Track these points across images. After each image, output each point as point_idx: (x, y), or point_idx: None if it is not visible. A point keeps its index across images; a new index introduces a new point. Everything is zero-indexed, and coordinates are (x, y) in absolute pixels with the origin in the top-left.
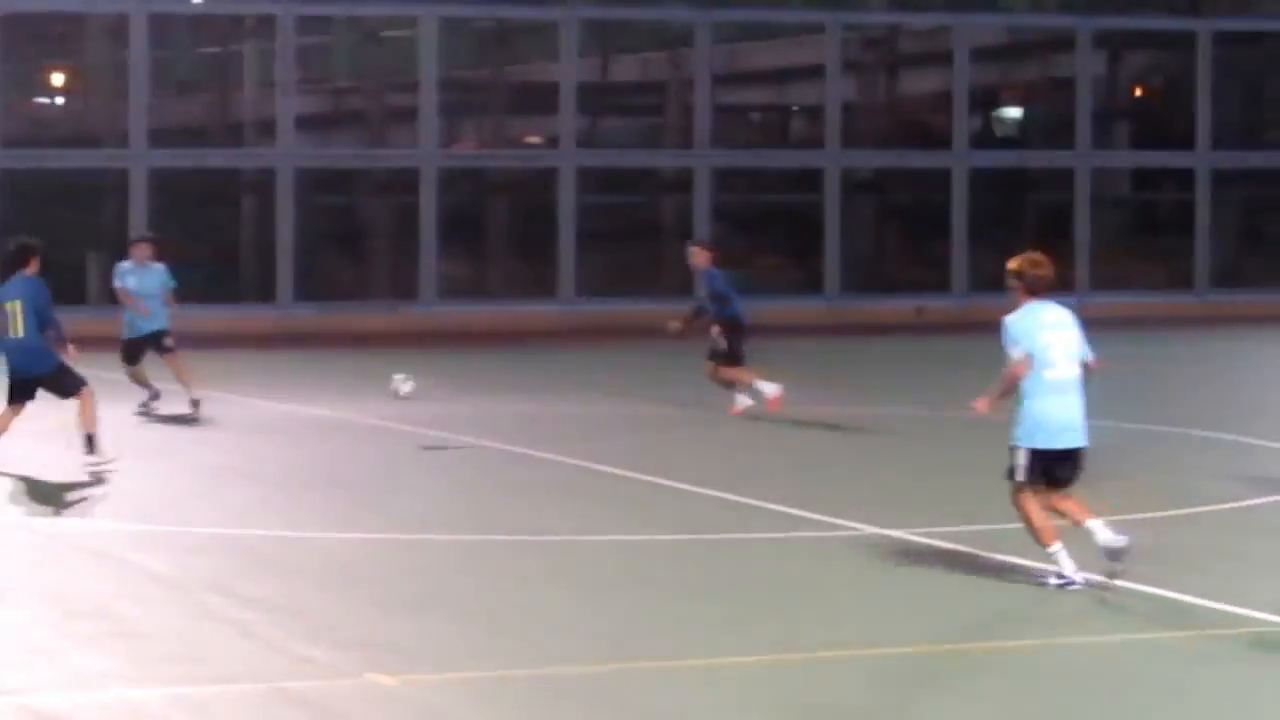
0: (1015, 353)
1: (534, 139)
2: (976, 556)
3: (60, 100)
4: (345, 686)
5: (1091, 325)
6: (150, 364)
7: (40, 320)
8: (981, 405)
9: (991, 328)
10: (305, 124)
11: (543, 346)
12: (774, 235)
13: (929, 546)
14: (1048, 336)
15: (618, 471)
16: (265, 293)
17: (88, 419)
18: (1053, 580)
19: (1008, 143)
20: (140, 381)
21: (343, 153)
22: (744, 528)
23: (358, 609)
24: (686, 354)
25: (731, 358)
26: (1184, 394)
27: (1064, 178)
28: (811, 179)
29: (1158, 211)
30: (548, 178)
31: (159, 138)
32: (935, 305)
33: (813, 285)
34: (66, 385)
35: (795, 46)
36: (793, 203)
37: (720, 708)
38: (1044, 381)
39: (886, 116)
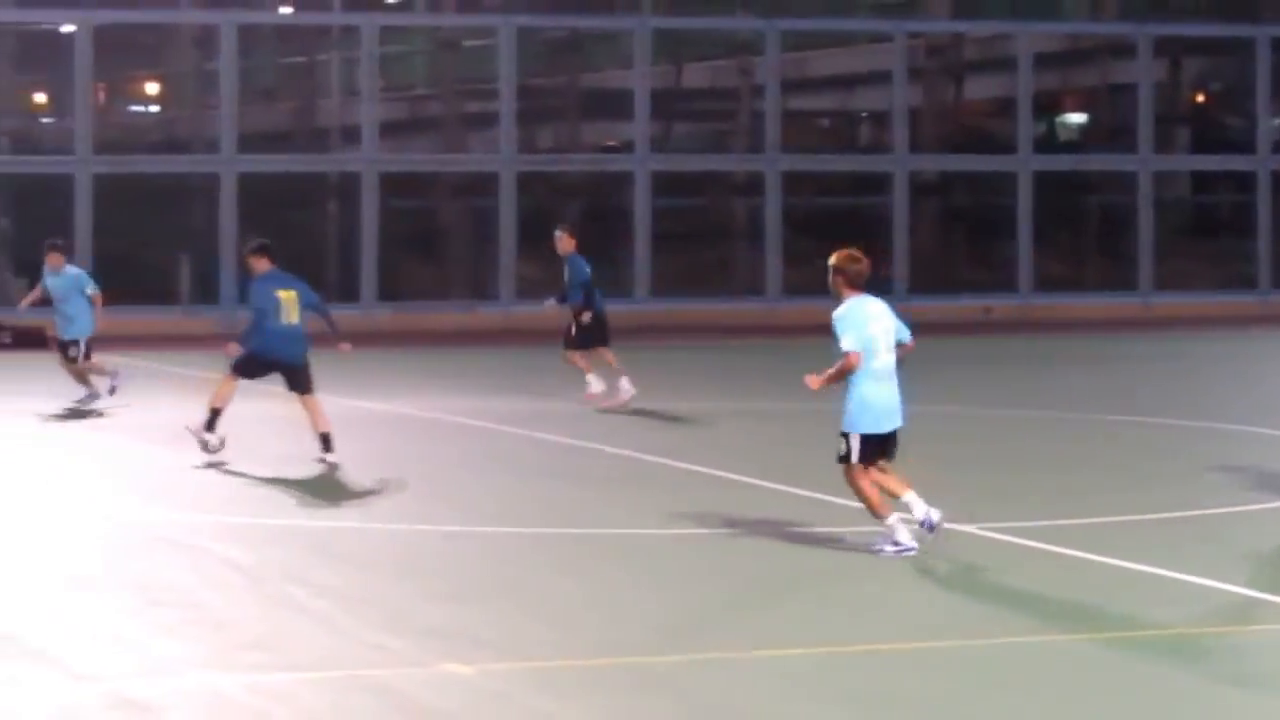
0: (848, 343)
1: (608, 144)
2: (1048, 550)
3: (151, 108)
4: (421, 675)
5: (1154, 325)
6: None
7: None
8: (814, 382)
9: (1056, 327)
10: (387, 130)
11: (616, 345)
12: (841, 237)
13: (1003, 541)
14: (874, 328)
15: (689, 466)
16: (348, 293)
17: (323, 419)
18: (889, 548)
19: (1069, 147)
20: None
21: (423, 157)
22: (818, 522)
23: (431, 599)
24: (758, 353)
25: (583, 344)
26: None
27: (1125, 181)
28: (878, 182)
29: (1218, 214)
30: (621, 181)
31: (247, 143)
32: (1000, 304)
33: (881, 286)
34: (306, 380)
35: (861, 54)
36: (860, 205)
37: (788, 698)
38: (871, 370)
39: (951, 121)
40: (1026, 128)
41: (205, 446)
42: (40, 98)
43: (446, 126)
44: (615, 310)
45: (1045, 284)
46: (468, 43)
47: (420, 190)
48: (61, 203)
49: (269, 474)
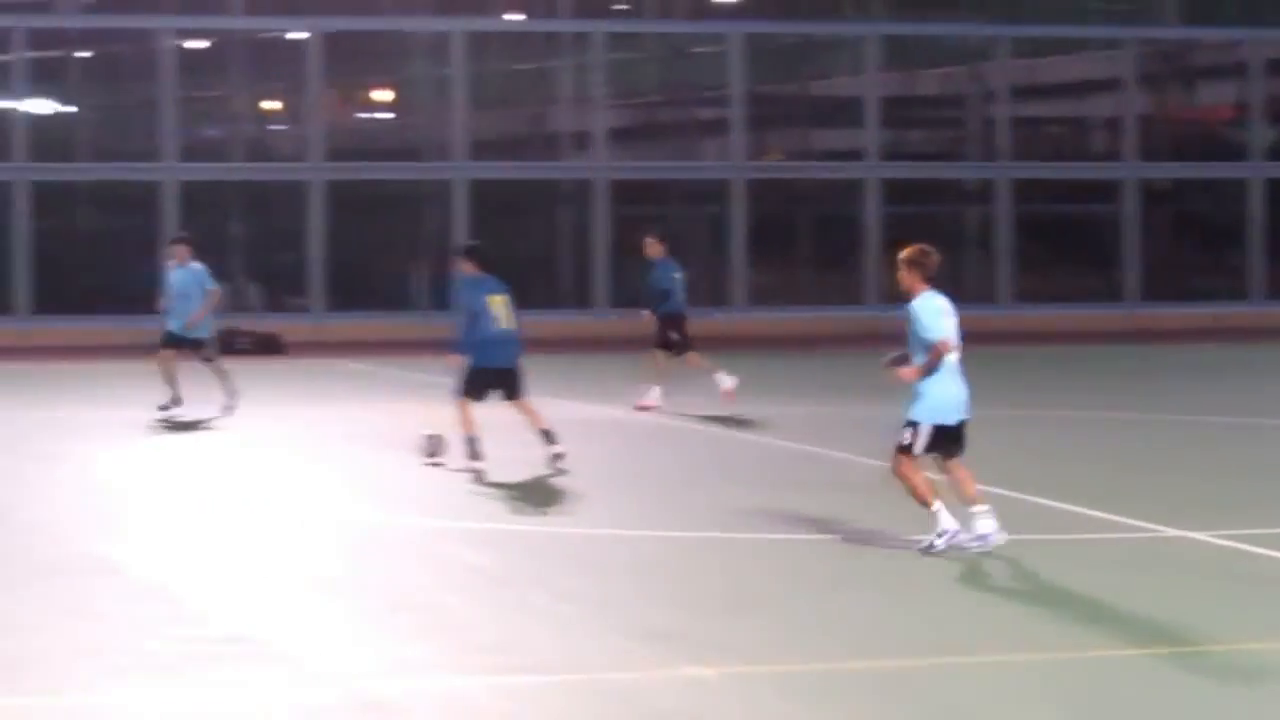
0: (937, 333)
1: (838, 151)
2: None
3: (383, 115)
4: (663, 678)
5: None
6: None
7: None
8: (909, 374)
9: None
10: (618, 137)
11: (846, 351)
12: (1072, 245)
13: (1235, 549)
14: (948, 322)
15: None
16: (581, 299)
17: (539, 416)
18: (939, 542)
19: None
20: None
21: (655, 164)
22: (1051, 529)
23: (670, 603)
24: (986, 360)
25: (680, 348)
26: None
27: None
28: (1109, 190)
29: None
30: (852, 188)
31: (478, 150)
32: (1232, 312)
33: (1111, 294)
34: (521, 386)
35: (1092, 60)
36: (1090, 213)
37: (1023, 703)
38: (946, 363)
39: (1181, 128)
40: (1259, 135)
41: (477, 463)
42: (273, 105)
43: (677, 133)
44: (844, 317)
45: (1277, 292)
46: (698, 49)
47: (651, 197)
48: (294, 210)
49: (504, 479)
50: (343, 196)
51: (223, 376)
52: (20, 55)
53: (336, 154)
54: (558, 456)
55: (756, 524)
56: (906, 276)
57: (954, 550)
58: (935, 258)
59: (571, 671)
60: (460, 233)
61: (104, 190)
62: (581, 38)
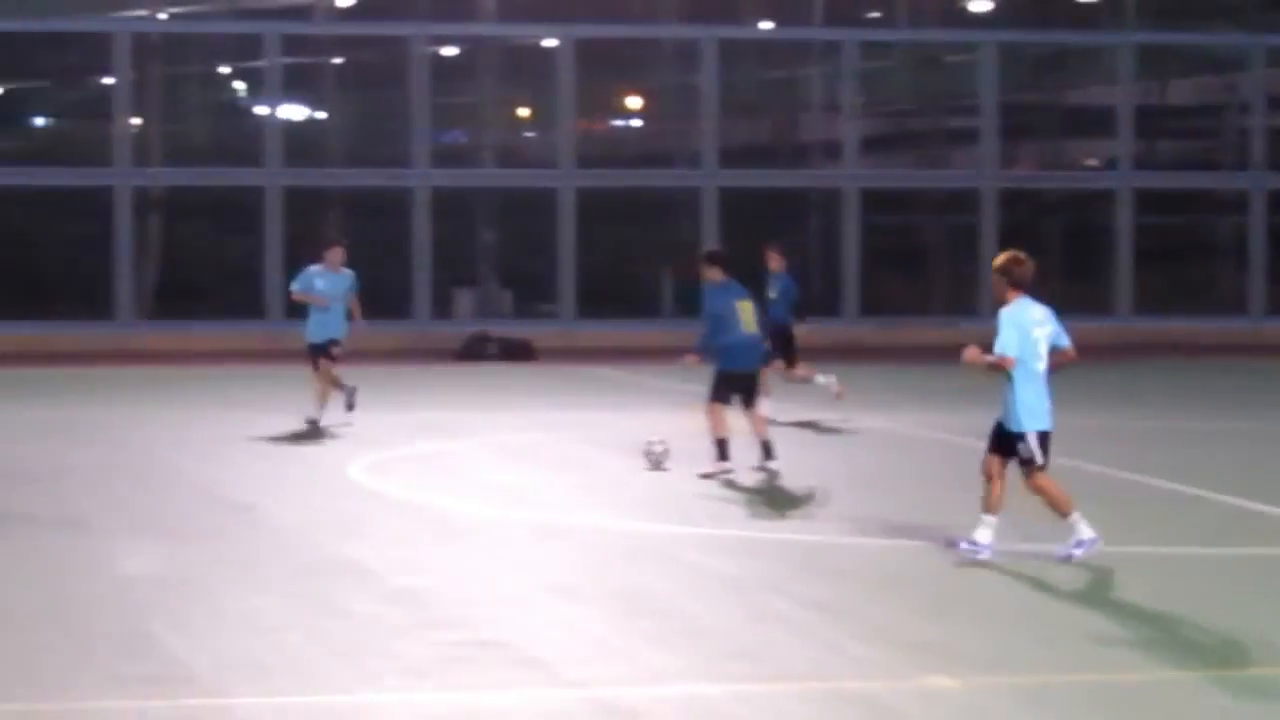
0: (1005, 345)
1: (1090, 161)
2: None
3: (633, 122)
4: (905, 687)
5: None
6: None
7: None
8: (972, 354)
9: None
10: (868, 145)
11: (1096, 362)
12: None
13: None
14: (1036, 332)
15: (1168, 485)
16: (830, 308)
17: (765, 426)
18: (1076, 551)
19: None
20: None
21: (904, 173)
22: None
23: (912, 612)
24: (1240, 372)
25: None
26: None
27: None
28: None
29: None
30: (1104, 199)
31: (728, 158)
32: None
33: None
34: (757, 391)
35: None
36: None
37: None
38: (1032, 372)
39: None
40: None
41: (723, 471)
42: (524, 112)
43: (928, 142)
44: (1093, 327)
45: None
46: (950, 58)
47: (901, 206)
48: (545, 216)
49: (748, 485)
50: (592, 203)
51: (333, 384)
52: (274, 61)
53: (586, 160)
54: (771, 472)
55: (1003, 535)
56: (997, 284)
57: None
58: (1026, 266)
59: (814, 679)
60: (709, 240)
61: (355, 196)
62: (832, 46)
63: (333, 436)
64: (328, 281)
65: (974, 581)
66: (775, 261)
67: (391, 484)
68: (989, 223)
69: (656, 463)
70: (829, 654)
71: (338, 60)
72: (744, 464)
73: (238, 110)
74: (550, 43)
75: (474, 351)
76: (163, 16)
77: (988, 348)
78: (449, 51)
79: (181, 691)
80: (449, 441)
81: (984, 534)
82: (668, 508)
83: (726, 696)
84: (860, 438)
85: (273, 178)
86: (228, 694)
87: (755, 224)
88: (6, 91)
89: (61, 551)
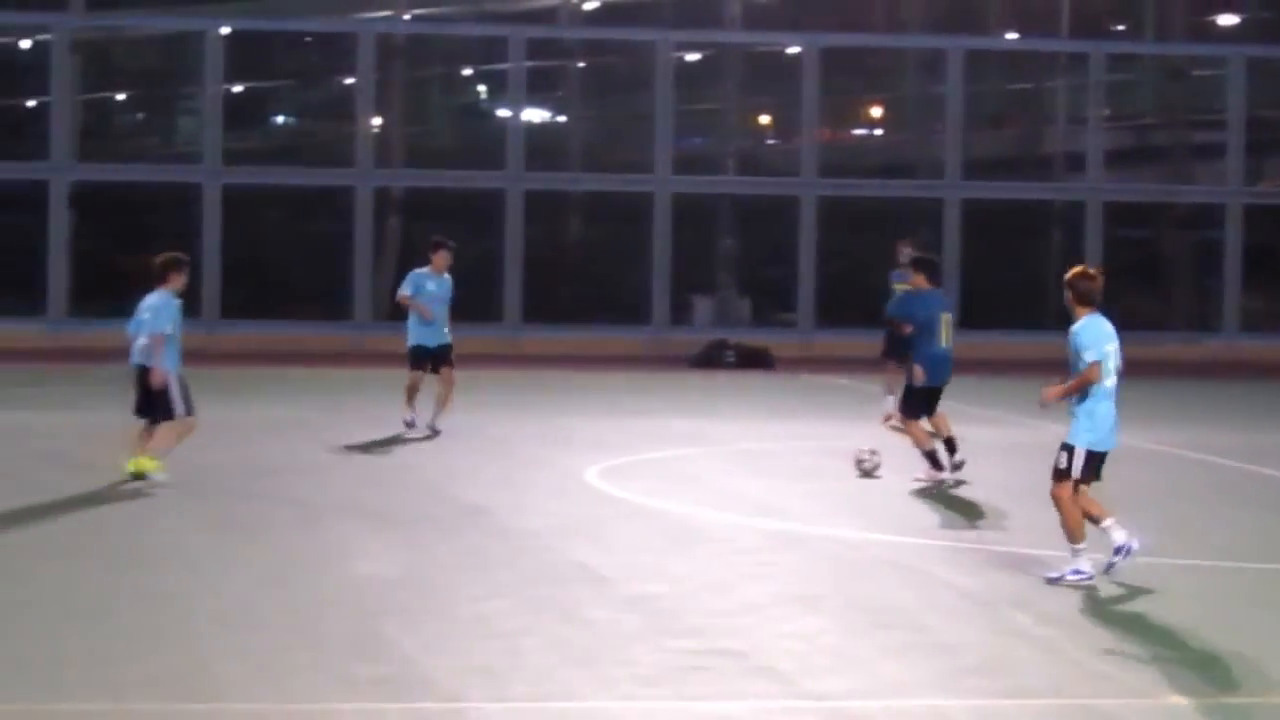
0: (1091, 355)
1: None
2: None
3: (875, 131)
4: (1146, 706)
5: None
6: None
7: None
8: (1051, 394)
9: None
10: (1112, 158)
11: None
12: None
13: None
14: (1108, 346)
15: None
16: (1066, 320)
17: (941, 430)
18: (1070, 575)
19: None
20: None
21: (1148, 187)
22: None
23: (1149, 629)
24: None
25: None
26: None
27: None
28: None
29: None
30: None
31: (971, 169)
32: None
33: None
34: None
35: None
36: None
37: None
38: (1104, 388)
39: None
40: None
41: (937, 482)
42: (766, 119)
43: (1173, 156)
44: None
45: None
46: (1196, 71)
47: (1145, 220)
48: (785, 225)
49: (981, 498)
50: (833, 212)
51: (449, 388)
52: (518, 65)
53: (828, 169)
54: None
55: (1249, 553)
56: (1067, 299)
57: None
58: (1096, 282)
59: (1054, 696)
60: (951, 251)
61: (595, 201)
62: (1078, 58)
63: (571, 439)
64: (437, 285)
65: (1218, 601)
66: (906, 256)
67: (628, 489)
68: (1233, 239)
69: (867, 473)
70: (1069, 670)
71: (581, 64)
72: (981, 477)
73: (479, 113)
74: (794, 50)
75: (711, 359)
76: (406, 18)
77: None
78: (692, 57)
79: (415, 694)
80: (686, 448)
81: (1118, 534)
82: (907, 519)
83: (966, 712)
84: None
85: (513, 181)
86: (461, 698)
87: (997, 235)
88: (248, 91)
89: (297, 550)
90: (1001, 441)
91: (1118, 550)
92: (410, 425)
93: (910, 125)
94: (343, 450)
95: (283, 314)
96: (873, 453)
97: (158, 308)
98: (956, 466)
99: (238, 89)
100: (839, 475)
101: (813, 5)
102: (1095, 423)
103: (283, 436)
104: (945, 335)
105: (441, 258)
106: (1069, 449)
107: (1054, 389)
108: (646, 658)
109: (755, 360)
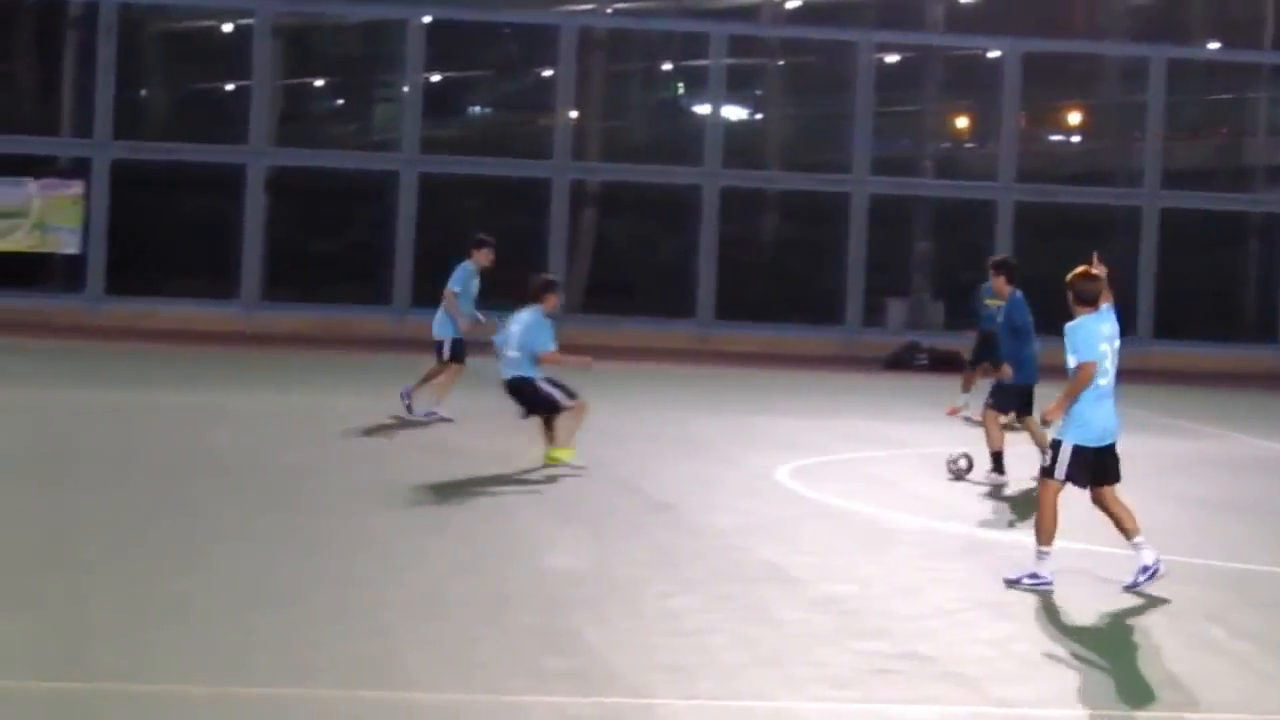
0: (1080, 358)
1: None
2: None
3: (1074, 138)
4: None
5: None
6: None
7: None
8: (1053, 413)
9: None
10: None
11: None
12: None
13: None
14: (1104, 346)
15: None
16: (1267, 330)
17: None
18: (1026, 579)
19: None
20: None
21: None
22: None
23: None
24: None
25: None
26: None
27: None
28: None
29: None
30: None
31: (1170, 179)
32: None
33: None
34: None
35: None
36: None
37: None
38: (1096, 387)
39: None
40: None
41: (998, 484)
42: (964, 123)
43: None
44: None
45: None
46: None
47: None
48: (981, 229)
49: (1181, 513)
50: (1029, 218)
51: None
52: (718, 61)
53: (1026, 175)
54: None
55: None
56: (1071, 300)
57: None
58: (1097, 283)
59: (1247, 712)
60: (1147, 261)
61: (791, 200)
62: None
63: (763, 438)
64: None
65: None
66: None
67: (818, 490)
68: None
69: (959, 475)
70: (1265, 686)
71: (781, 62)
72: (1173, 489)
73: (677, 108)
74: (995, 54)
75: (903, 361)
76: (608, 11)
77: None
78: (892, 58)
79: (603, 689)
80: (877, 450)
81: (1147, 554)
82: (1098, 528)
83: None
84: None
85: (710, 178)
86: (649, 695)
87: (1194, 246)
88: (447, 80)
89: (485, 541)
90: (1193, 453)
91: (1144, 570)
92: (426, 415)
93: (1109, 133)
94: (530, 442)
95: (476, 304)
96: (964, 456)
97: (532, 325)
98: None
99: (436, 78)
100: (1030, 481)
101: (1015, 9)
102: (1086, 420)
103: (474, 426)
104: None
105: (483, 255)
106: (1055, 445)
107: (1054, 406)
108: (835, 659)
109: (947, 364)
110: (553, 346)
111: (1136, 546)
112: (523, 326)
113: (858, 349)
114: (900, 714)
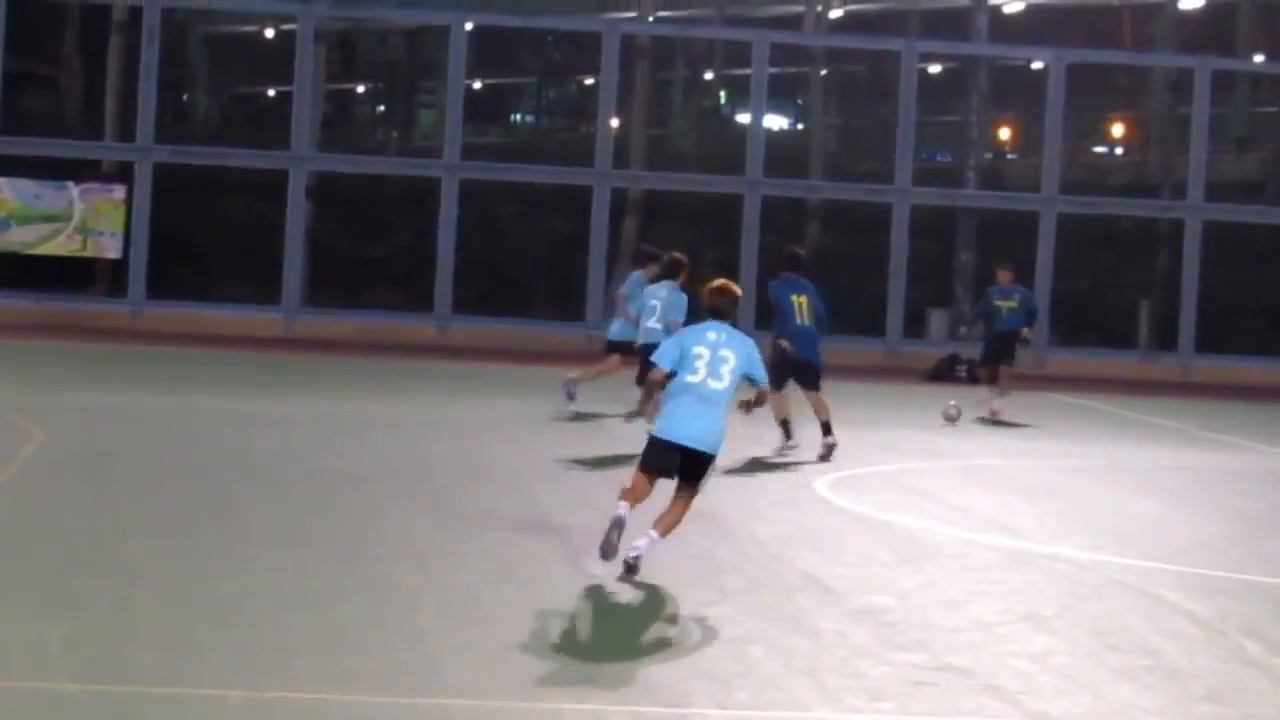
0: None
1: None
2: None
3: (1118, 150)
4: None
5: None
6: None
7: None
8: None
9: None
10: None
11: None
12: None
13: None
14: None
15: None
16: None
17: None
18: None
19: None
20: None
21: None
22: None
23: None
24: None
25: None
26: None
27: None
28: None
29: None
30: None
31: (1214, 191)
32: None
33: None
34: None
35: None
36: None
37: None
38: (684, 384)
39: None
40: None
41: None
42: (1008, 133)
43: None
44: None
45: None
46: None
47: None
48: (1024, 240)
49: (1224, 527)
50: (1072, 229)
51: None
52: (762, 70)
53: (1069, 186)
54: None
55: None
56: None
57: None
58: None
59: None
60: (1190, 274)
61: (833, 209)
62: None
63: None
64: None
65: None
66: (1005, 277)
67: (858, 501)
68: None
69: (951, 420)
70: None
71: (824, 71)
72: (1216, 502)
73: (720, 117)
74: (1040, 65)
75: (944, 373)
76: (652, 19)
77: None
78: (935, 69)
79: (640, 698)
80: (918, 462)
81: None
82: (1138, 541)
83: None
84: None
85: (753, 186)
86: (686, 704)
87: (1238, 259)
88: (490, 87)
89: (523, 547)
90: (1234, 467)
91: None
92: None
93: (1154, 144)
94: (570, 448)
95: (520, 311)
96: (955, 406)
97: (669, 299)
98: (789, 449)
99: (479, 85)
100: (1071, 493)
101: (1060, 20)
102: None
103: (508, 433)
104: (800, 315)
105: (651, 265)
106: None
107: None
108: (872, 671)
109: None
110: (683, 318)
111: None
112: (662, 301)
113: (899, 360)
114: None
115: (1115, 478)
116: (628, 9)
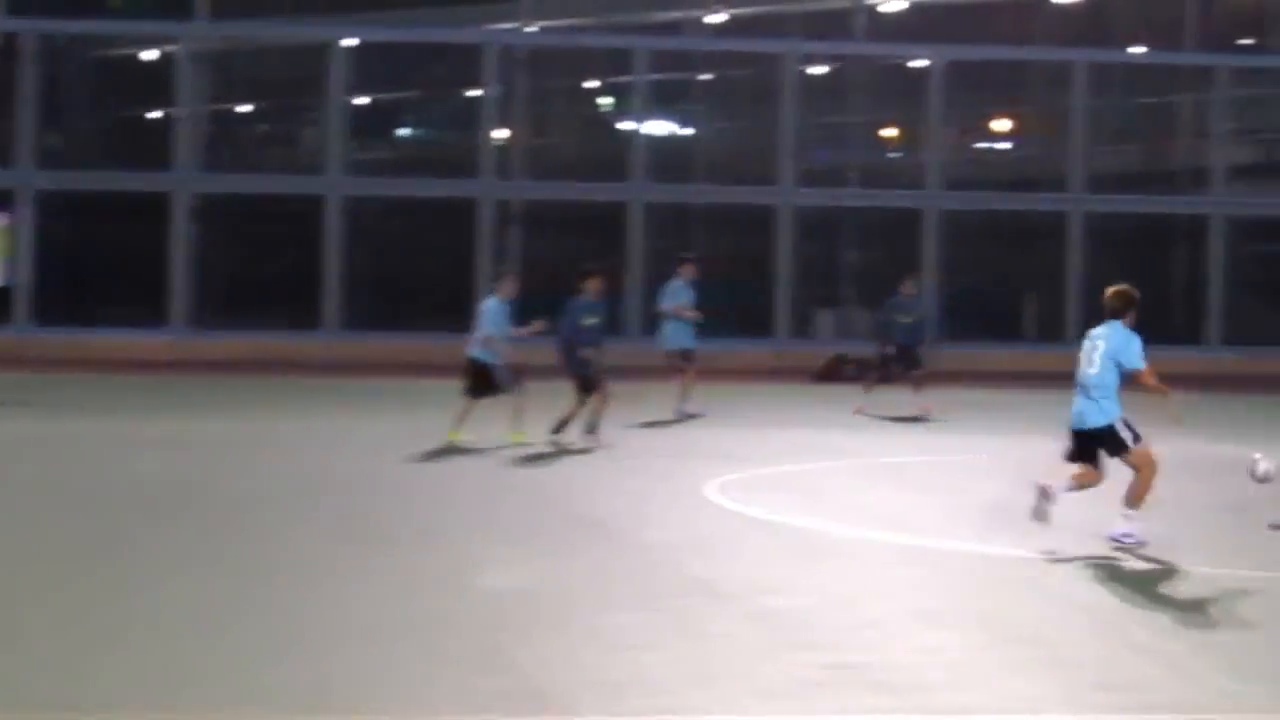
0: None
1: None
2: None
3: (1000, 145)
4: None
5: None
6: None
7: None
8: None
9: None
10: (1238, 174)
11: None
12: None
13: None
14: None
15: None
16: (1192, 335)
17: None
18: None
19: None
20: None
21: (1275, 202)
22: None
23: (1274, 646)
24: None
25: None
26: None
27: None
28: None
29: None
30: None
31: (1096, 184)
32: None
33: None
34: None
35: None
36: None
37: None
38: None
39: None
40: None
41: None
42: (890, 132)
43: None
44: None
45: None
46: None
47: (1273, 235)
48: (909, 238)
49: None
50: (957, 225)
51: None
52: (643, 77)
53: (953, 182)
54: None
55: None
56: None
57: None
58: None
59: (1181, 712)
60: (1075, 265)
61: (718, 213)
62: (1204, 71)
63: (697, 457)
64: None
65: None
66: (909, 289)
67: (750, 503)
68: None
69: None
70: (1196, 687)
71: (706, 76)
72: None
73: (603, 125)
74: (921, 63)
75: (833, 372)
76: (532, 30)
77: None
78: (817, 70)
79: (531, 708)
80: (808, 462)
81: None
82: (1032, 534)
83: None
84: (1220, 468)
85: (636, 193)
86: (578, 713)
87: (1121, 250)
88: (375, 102)
89: (418, 563)
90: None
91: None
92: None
93: (1035, 138)
94: (462, 461)
95: (407, 325)
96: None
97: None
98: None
99: (362, 100)
100: (964, 489)
101: (940, 17)
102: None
103: (400, 449)
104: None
105: (687, 269)
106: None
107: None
108: (767, 672)
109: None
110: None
111: None
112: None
113: (787, 360)
114: None
115: (1004, 470)
116: (509, 20)
